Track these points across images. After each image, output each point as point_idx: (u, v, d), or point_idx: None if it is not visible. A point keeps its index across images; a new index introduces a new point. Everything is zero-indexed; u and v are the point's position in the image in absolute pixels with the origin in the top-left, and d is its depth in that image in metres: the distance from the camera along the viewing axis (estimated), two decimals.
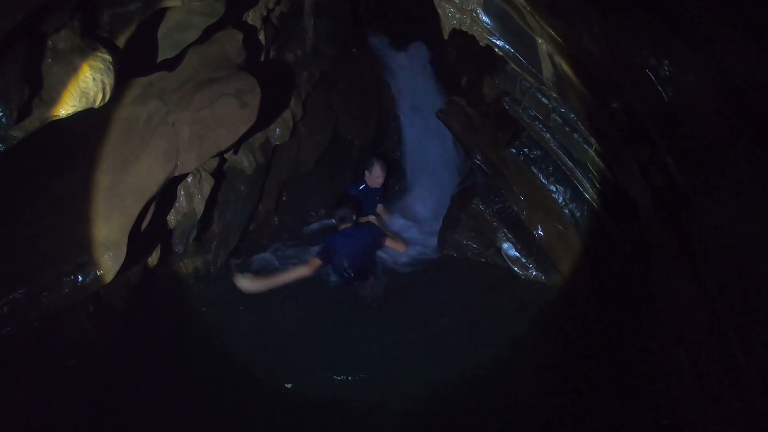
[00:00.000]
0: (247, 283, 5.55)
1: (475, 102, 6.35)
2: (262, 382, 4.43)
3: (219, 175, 5.80)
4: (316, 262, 5.88)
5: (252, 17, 5.88)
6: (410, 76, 8.82)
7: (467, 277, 6.20)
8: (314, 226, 7.66)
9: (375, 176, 7.09)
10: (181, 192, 5.14)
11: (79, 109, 2.96)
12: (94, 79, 2.92)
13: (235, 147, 5.59)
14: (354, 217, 6.28)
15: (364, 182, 7.19)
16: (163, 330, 4.94)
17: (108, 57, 3.00)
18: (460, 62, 7.73)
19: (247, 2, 5.73)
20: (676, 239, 3.75)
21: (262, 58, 6.21)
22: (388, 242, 6.35)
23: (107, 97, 3.04)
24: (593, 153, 5.05)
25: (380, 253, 6.44)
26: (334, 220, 6.41)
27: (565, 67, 4.49)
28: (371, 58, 8.89)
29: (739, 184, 3.16)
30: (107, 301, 4.69)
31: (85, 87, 2.90)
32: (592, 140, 4.93)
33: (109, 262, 3.83)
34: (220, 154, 5.09)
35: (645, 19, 3.61)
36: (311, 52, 7.36)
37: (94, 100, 2.97)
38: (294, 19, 7.02)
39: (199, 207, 5.22)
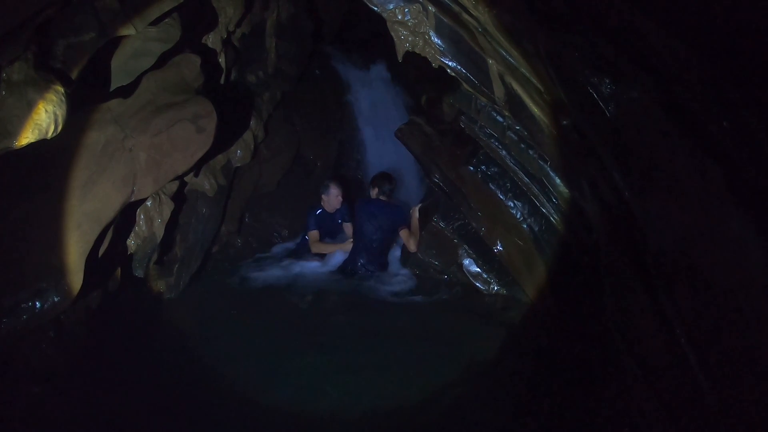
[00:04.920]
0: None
1: (434, 121, 6.44)
2: (229, 404, 4.40)
3: (180, 197, 5.80)
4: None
5: (212, 40, 5.90)
6: (372, 96, 8.91)
7: (432, 293, 6.27)
8: (277, 248, 7.68)
9: (333, 197, 7.15)
10: (140, 216, 5.13)
11: (32, 141, 2.98)
12: (46, 111, 2.94)
13: (195, 170, 5.60)
14: (389, 193, 6.89)
15: (321, 207, 7.23)
16: (126, 354, 4.89)
17: (61, 89, 3.02)
18: (419, 81, 7.83)
19: (207, 25, 5.76)
20: (627, 253, 3.81)
21: (222, 81, 6.24)
22: (403, 232, 6.60)
23: (59, 128, 3.06)
24: (549, 169, 5.15)
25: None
26: (372, 187, 6.98)
27: (516, 86, 4.60)
28: (333, 78, 8.97)
29: (684, 199, 3.21)
30: (68, 327, 4.65)
31: (37, 119, 2.92)
32: (547, 156, 5.04)
33: (66, 288, 3.83)
34: (179, 178, 5.10)
35: (587, 37, 3.69)
36: (273, 73, 7.39)
37: (47, 132, 2.99)
38: (255, 41, 7.05)
39: (159, 231, 5.22)
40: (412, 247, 6.50)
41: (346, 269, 6.79)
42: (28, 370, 4.26)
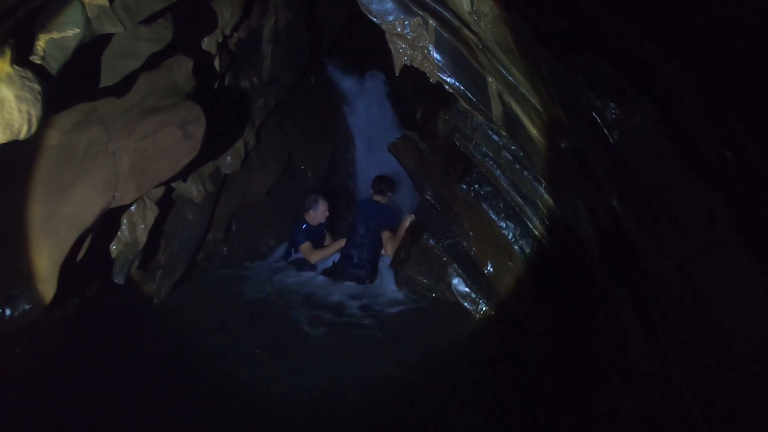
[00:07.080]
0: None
1: (429, 136, 6.37)
2: (210, 409, 4.31)
3: (166, 203, 5.68)
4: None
5: (207, 43, 5.80)
6: (367, 108, 8.87)
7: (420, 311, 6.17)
8: (265, 257, 7.59)
9: (321, 212, 7.19)
10: (124, 221, 4.99)
11: (3, 141, 2.82)
12: (19, 110, 2.78)
13: (183, 176, 5.47)
14: (389, 195, 7.28)
15: (306, 222, 7.16)
16: (103, 361, 4.80)
17: (36, 86, 2.85)
18: (415, 95, 7.76)
19: (202, 28, 5.66)
20: (622, 279, 3.73)
21: (215, 86, 6.14)
22: (385, 234, 6.91)
23: (33, 129, 2.90)
24: (543, 190, 5.08)
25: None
26: (372, 188, 7.33)
27: (515, 105, 4.51)
28: (328, 88, 8.90)
29: (683, 227, 3.14)
30: (43, 333, 4.57)
31: (9, 118, 2.76)
32: (542, 178, 4.95)
33: (38, 296, 3.68)
34: (164, 184, 4.97)
35: (592, 61, 3.62)
36: (268, 80, 7.32)
37: (19, 132, 2.82)
38: (252, 46, 6.99)
39: (142, 237, 5.08)
40: (388, 250, 6.81)
41: (337, 269, 6.87)
42: (4, 377, 4.21)
